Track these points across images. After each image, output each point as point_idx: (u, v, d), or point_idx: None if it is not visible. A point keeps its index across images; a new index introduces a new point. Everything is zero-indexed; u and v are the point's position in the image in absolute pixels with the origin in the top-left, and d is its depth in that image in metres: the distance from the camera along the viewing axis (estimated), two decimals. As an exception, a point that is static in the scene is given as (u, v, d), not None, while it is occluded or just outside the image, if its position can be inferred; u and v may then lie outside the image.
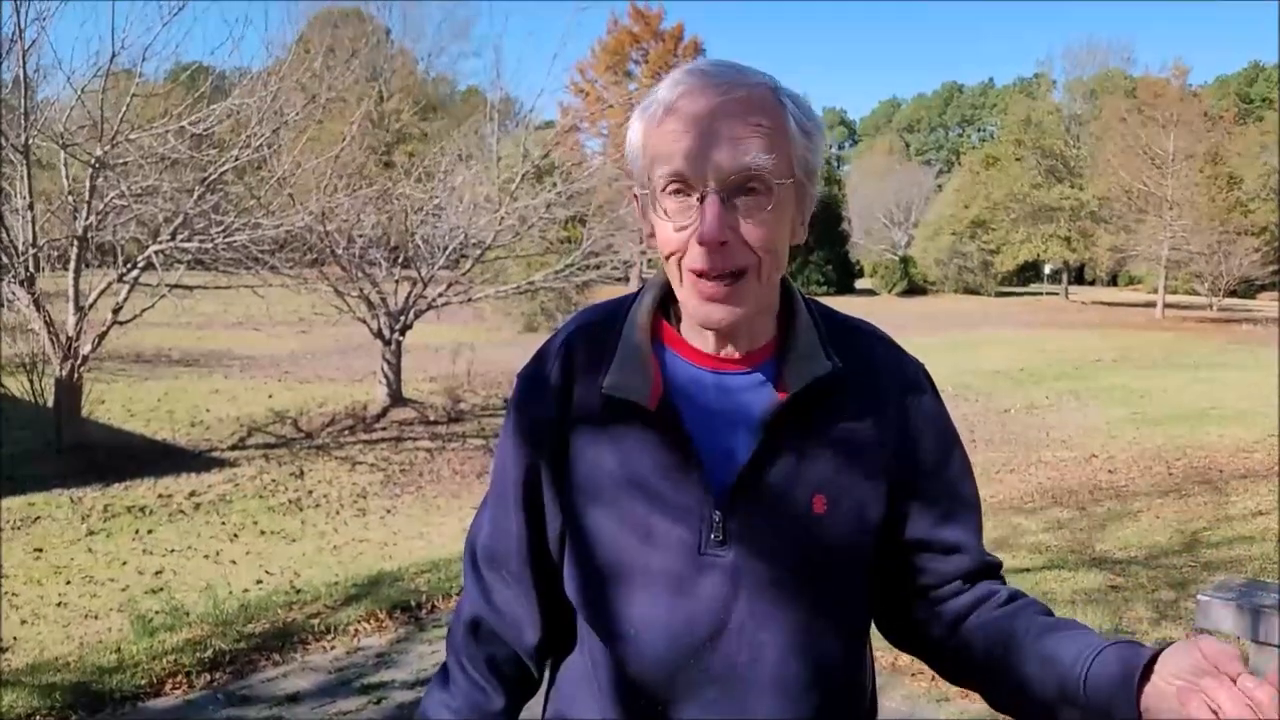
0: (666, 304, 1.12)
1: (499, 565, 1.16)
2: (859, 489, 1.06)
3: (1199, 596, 3.55)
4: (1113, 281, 52.88)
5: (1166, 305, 33.96)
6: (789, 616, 1.05)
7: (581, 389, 1.09)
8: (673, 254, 1.01)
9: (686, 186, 0.98)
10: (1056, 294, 41.55)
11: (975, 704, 3.55)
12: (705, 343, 1.08)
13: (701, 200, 0.97)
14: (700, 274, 1.00)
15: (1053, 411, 13.98)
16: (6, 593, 6.23)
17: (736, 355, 1.07)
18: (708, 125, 0.97)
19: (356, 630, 4.35)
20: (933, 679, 3.73)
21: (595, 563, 1.08)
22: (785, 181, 1.00)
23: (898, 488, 1.08)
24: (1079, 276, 50.92)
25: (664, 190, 1.00)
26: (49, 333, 9.92)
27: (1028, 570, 5.57)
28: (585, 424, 1.08)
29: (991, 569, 1.14)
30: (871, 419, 1.08)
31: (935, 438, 1.12)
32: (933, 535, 1.10)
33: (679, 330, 1.10)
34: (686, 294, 1.03)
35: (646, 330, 1.09)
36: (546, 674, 1.23)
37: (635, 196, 1.10)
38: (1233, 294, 37.66)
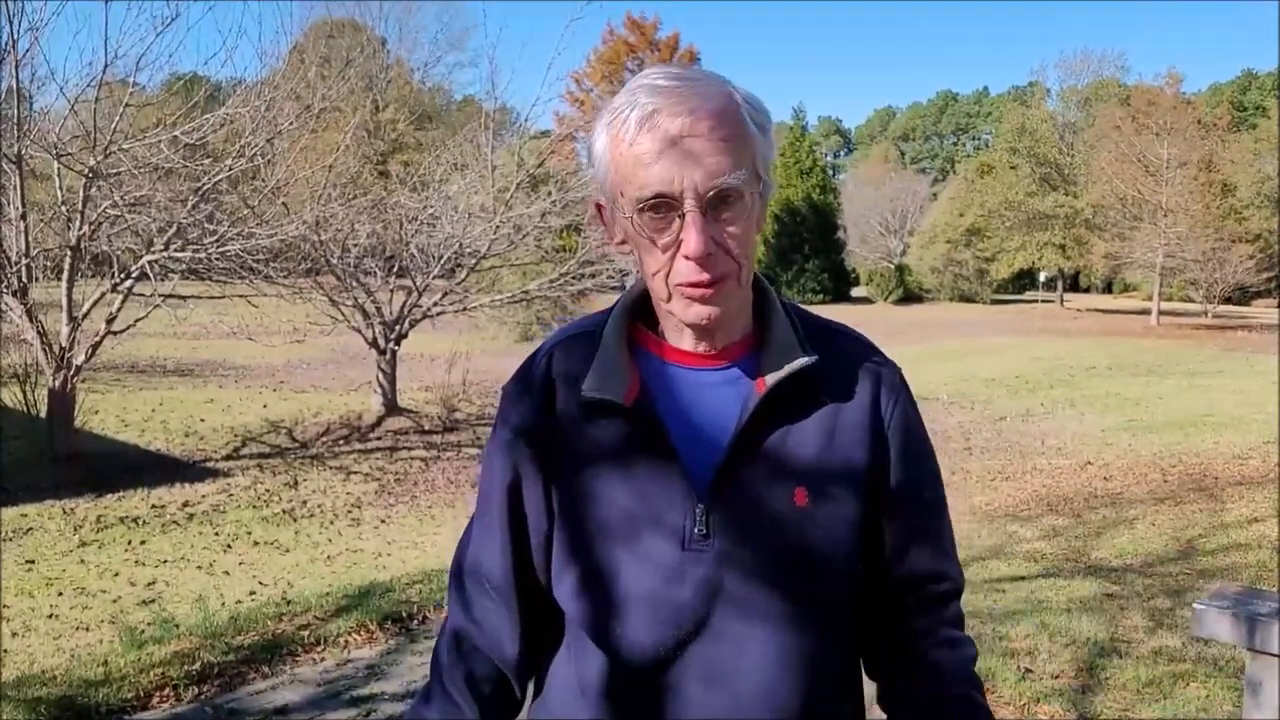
0: (642, 312, 1.14)
1: (481, 578, 1.17)
2: (838, 483, 1.08)
3: (1195, 605, 3.52)
4: (1108, 289, 52.95)
5: (1161, 312, 34.01)
6: (772, 612, 1.06)
7: (563, 397, 1.11)
8: (658, 272, 1.04)
9: (666, 206, 1.01)
10: (1052, 301, 41.58)
11: None
12: (683, 341, 1.10)
13: (682, 218, 1.01)
14: (686, 286, 1.03)
15: (1048, 419, 13.97)
16: (-3, 605, 6.18)
17: (714, 350, 1.10)
18: (680, 145, 0.99)
19: (347, 642, 4.32)
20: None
21: (582, 562, 1.09)
22: (755, 190, 1.04)
23: (871, 486, 1.10)
24: (1074, 284, 50.99)
25: (642, 211, 1.02)
26: (42, 343, 9.88)
27: (1023, 578, 5.55)
28: (568, 430, 1.10)
29: (943, 578, 1.16)
30: (849, 414, 1.10)
31: (908, 441, 1.13)
32: (893, 537, 1.13)
33: (655, 333, 1.13)
34: (673, 304, 1.05)
35: (623, 336, 1.12)
36: (530, 689, 1.22)
37: (599, 206, 1.13)
38: (1227, 301, 37.70)
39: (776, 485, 1.06)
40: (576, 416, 1.09)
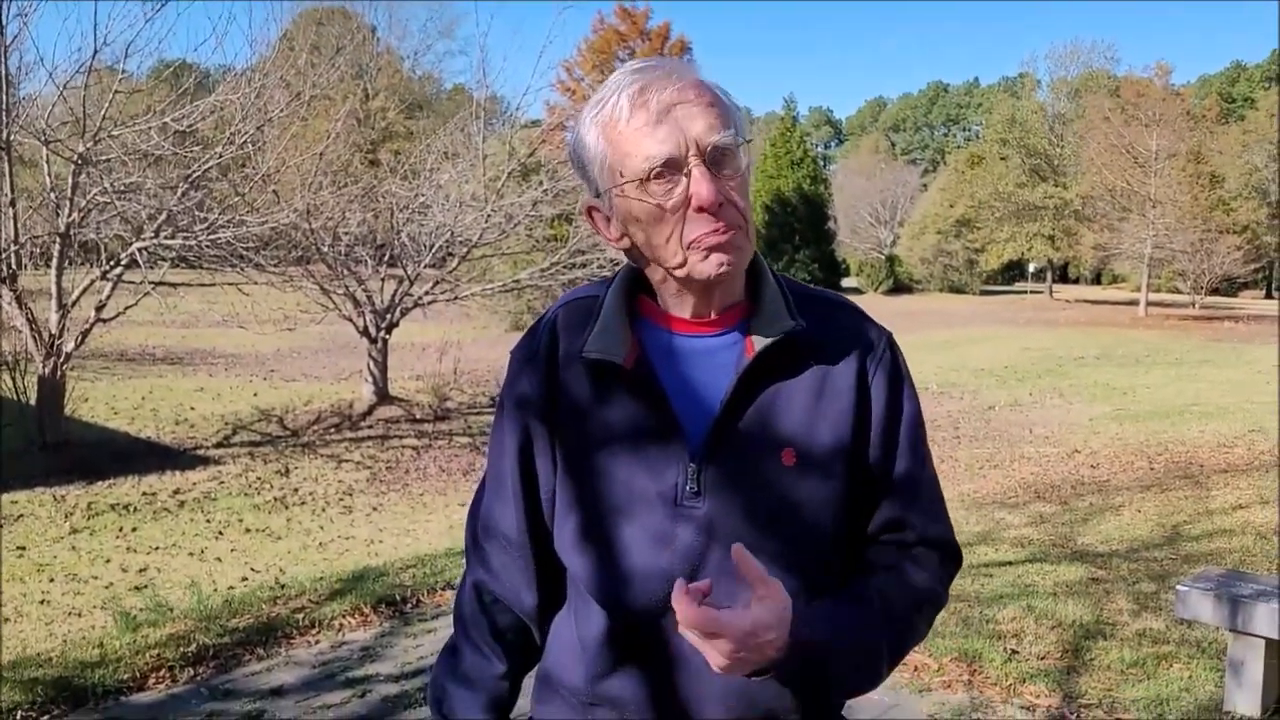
0: (644, 283, 1.18)
1: (497, 534, 1.23)
2: (825, 445, 1.12)
3: (1179, 587, 3.59)
4: (1096, 280, 53.25)
5: (1149, 303, 34.20)
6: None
7: (566, 358, 1.16)
8: (670, 236, 1.07)
9: (671, 169, 1.05)
10: (1041, 292, 41.81)
11: (956, 695, 3.58)
12: (681, 308, 1.14)
13: (688, 175, 1.05)
14: (703, 236, 1.06)
15: (1036, 408, 14.07)
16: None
17: (710, 317, 1.14)
18: (675, 111, 1.05)
19: (341, 624, 4.34)
20: (915, 670, 3.76)
21: (582, 518, 1.14)
22: (745, 149, 1.09)
23: (856, 449, 1.14)
24: (1063, 275, 51.24)
25: (648, 179, 1.06)
26: (31, 330, 9.85)
27: (1011, 563, 5.61)
28: (571, 390, 1.15)
29: (923, 531, 1.18)
30: (836, 379, 1.14)
31: (891, 400, 1.17)
32: (878, 494, 1.16)
33: (655, 302, 1.17)
34: (689, 263, 1.08)
35: (623, 302, 1.16)
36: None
37: (593, 209, 1.16)
38: (1215, 292, 37.95)
39: (766, 446, 1.10)
40: (580, 377, 1.14)
